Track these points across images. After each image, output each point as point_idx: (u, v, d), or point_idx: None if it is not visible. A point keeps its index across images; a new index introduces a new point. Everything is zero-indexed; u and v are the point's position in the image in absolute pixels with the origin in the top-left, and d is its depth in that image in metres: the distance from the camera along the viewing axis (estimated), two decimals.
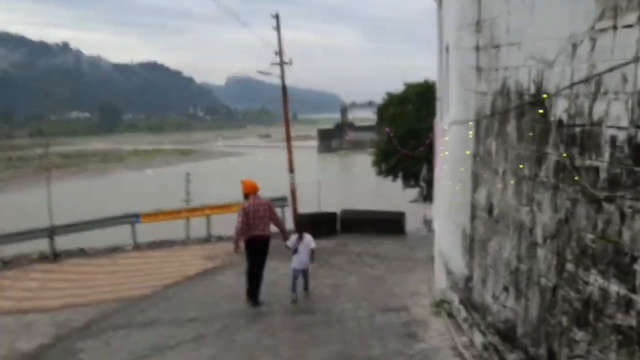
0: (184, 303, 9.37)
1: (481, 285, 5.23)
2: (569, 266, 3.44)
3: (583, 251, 3.25)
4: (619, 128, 2.86)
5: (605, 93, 2.99)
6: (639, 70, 2.69)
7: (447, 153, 8.26)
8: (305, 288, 9.26)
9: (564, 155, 3.47)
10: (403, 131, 31.31)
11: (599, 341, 3.04)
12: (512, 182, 4.45)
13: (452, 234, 6.87)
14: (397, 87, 38.18)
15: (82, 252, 15.89)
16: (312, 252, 9.06)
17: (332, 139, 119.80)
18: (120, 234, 17.14)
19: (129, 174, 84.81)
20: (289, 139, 18.26)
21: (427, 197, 36.06)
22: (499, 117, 4.79)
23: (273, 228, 8.97)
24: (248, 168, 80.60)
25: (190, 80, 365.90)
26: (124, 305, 9.94)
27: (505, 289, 4.58)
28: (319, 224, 15.80)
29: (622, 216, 2.84)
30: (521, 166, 4.24)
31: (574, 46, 3.34)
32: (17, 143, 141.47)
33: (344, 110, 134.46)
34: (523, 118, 4.23)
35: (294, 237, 8.97)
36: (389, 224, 16.57)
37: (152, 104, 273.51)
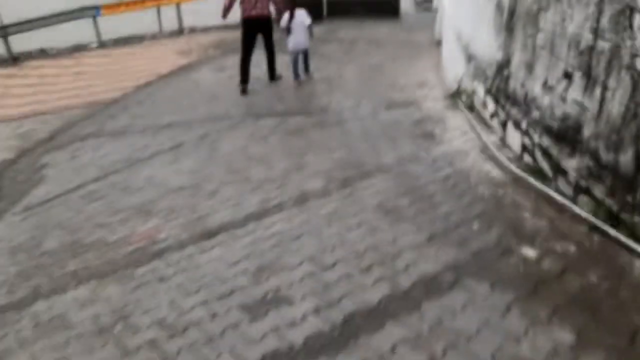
0: (158, 107, 8.23)
1: (524, 72, 4.06)
2: None
3: None
4: None
5: None
6: None
7: None
8: (307, 70, 8.60)
9: None
10: None
11: None
12: None
13: (476, 9, 5.49)
14: None
15: (43, 53, 14.31)
16: (310, 29, 8.29)
17: None
18: (83, 31, 15.32)
19: None
20: None
21: None
22: None
23: None
24: None
25: None
26: (91, 111, 8.82)
27: (567, 75, 3.41)
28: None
29: None
30: None
31: None
32: None
33: None
34: None
35: (286, 16, 8.04)
36: (381, 5, 14.80)
37: None
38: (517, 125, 4.23)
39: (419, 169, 4.36)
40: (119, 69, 11.67)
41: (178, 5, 14.86)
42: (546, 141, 3.71)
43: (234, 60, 10.48)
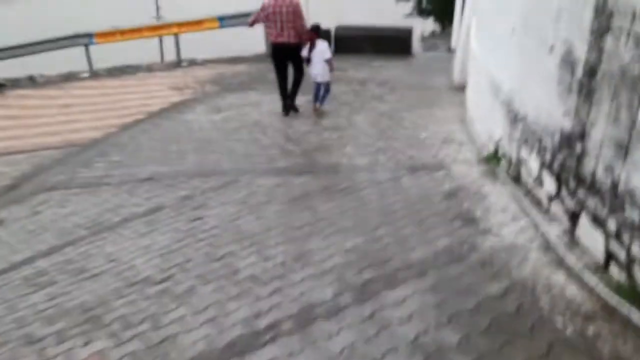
0: (141, 153, 7.16)
1: (614, 153, 2.98)
2: None
3: None
4: None
5: None
6: None
7: None
8: (316, 99, 8.05)
9: None
10: None
11: None
12: None
13: (525, 58, 4.46)
14: None
15: (31, 81, 13.36)
16: (330, 63, 7.85)
17: None
18: (76, 59, 14.44)
19: None
20: None
21: (423, 11, 33.25)
22: None
23: None
24: None
25: None
26: (67, 153, 7.74)
27: None
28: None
29: None
30: None
31: None
32: None
33: None
34: None
35: (306, 46, 7.80)
36: (393, 43, 13.86)
37: None
38: (598, 221, 3.14)
39: (464, 277, 3.24)
40: (107, 103, 10.66)
41: (177, 36, 13.95)
42: None
43: (231, 101, 9.51)
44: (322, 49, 7.78)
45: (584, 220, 3.30)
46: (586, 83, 3.30)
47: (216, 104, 9.33)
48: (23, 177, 7.09)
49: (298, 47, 7.77)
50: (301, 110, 8.26)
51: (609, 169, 3.03)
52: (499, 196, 4.40)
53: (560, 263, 3.23)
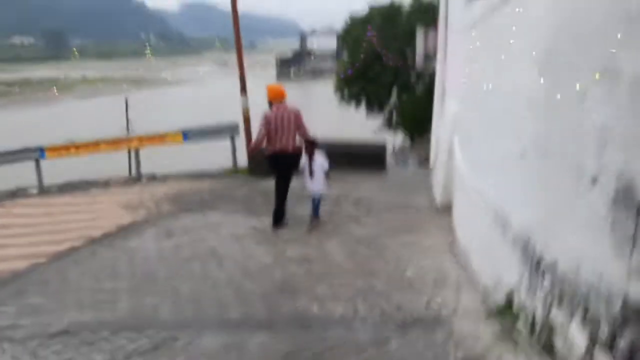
0: (66, 293, 5.80)
1: None
2: None
3: None
4: None
5: None
6: None
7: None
8: (316, 214, 7.74)
9: None
10: (367, 54, 28.47)
11: None
12: None
13: (548, 188, 3.46)
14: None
15: None
16: (327, 175, 7.72)
17: (291, 67, 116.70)
18: (27, 174, 13.34)
19: (77, 103, 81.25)
20: (239, 50, 14.16)
21: (391, 125, 33.72)
22: None
23: None
24: (203, 96, 76.39)
25: (141, 4, 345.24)
26: None
27: None
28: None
29: None
30: None
31: None
32: None
33: (303, 37, 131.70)
34: None
35: (304, 158, 7.62)
36: (367, 158, 13.14)
37: (101, 30, 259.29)
38: None
39: None
40: (48, 224, 9.39)
41: (137, 151, 13.01)
42: None
43: (187, 223, 8.34)
44: (321, 162, 7.59)
45: None
46: None
47: (169, 226, 8.14)
48: None
49: (298, 155, 7.62)
50: (264, 234, 7.16)
51: None
52: None
53: None
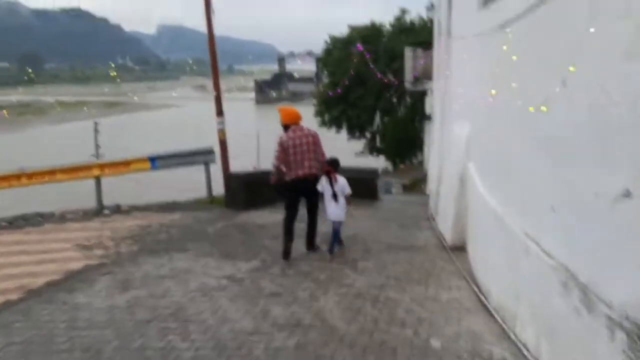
0: None
1: None
2: None
3: None
4: None
5: None
6: None
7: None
8: (331, 251, 7.11)
9: None
10: (349, 77, 27.69)
11: None
12: None
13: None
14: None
15: None
16: (348, 200, 7.21)
17: (270, 90, 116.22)
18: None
19: (50, 128, 79.50)
20: (215, 71, 12.89)
21: (373, 149, 32.78)
22: None
23: None
24: (180, 120, 75.03)
25: (118, 28, 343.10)
26: None
27: None
28: (261, 187, 11.13)
29: None
30: None
31: None
32: None
33: (281, 60, 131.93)
34: None
35: (323, 180, 7.08)
36: (357, 186, 11.81)
37: (77, 53, 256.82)
38: None
39: None
40: None
41: (98, 179, 11.55)
42: None
43: (149, 269, 6.89)
44: (343, 184, 7.07)
45: None
46: None
47: (127, 274, 6.71)
48: None
49: (317, 180, 7.11)
50: (242, 286, 5.77)
51: None
52: None
53: None
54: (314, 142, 7.06)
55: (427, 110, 24.83)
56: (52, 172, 11.32)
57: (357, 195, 11.12)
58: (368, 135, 34.95)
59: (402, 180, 24.06)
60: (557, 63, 3.45)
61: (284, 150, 6.96)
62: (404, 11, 34.67)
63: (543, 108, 3.62)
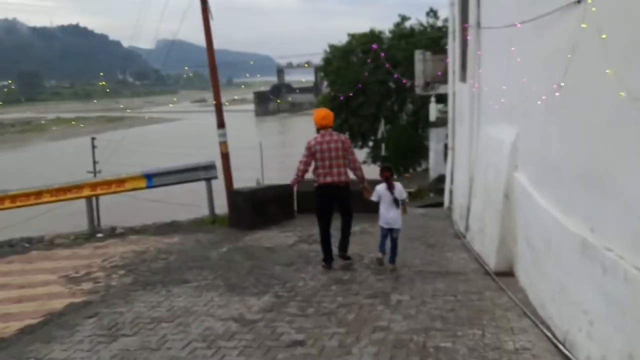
0: None
1: None
2: None
3: None
4: None
5: None
6: None
7: None
8: (392, 260, 6.76)
9: None
10: (350, 85, 27.12)
11: None
12: None
13: None
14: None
15: None
16: (404, 206, 6.85)
17: (269, 102, 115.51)
18: None
19: (52, 144, 79.19)
20: (215, 83, 11.95)
21: (377, 158, 31.86)
22: None
23: None
24: (180, 134, 74.26)
25: (117, 44, 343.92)
26: None
27: None
28: (267, 204, 10.14)
29: None
30: None
31: None
32: None
33: (280, 71, 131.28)
34: None
35: (380, 186, 6.77)
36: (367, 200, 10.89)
37: (77, 70, 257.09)
38: None
39: None
40: None
41: (90, 200, 10.52)
42: None
43: (142, 310, 5.80)
44: (400, 189, 6.79)
45: None
46: None
47: (116, 317, 5.64)
48: None
49: (348, 186, 6.89)
50: (254, 331, 4.70)
51: None
52: None
53: None
54: (344, 149, 6.81)
55: (431, 117, 23.88)
56: (38, 194, 10.29)
57: (373, 209, 10.09)
58: (370, 144, 34.19)
59: (408, 188, 23.12)
60: None
61: (311, 154, 6.77)
62: (404, 18, 34.03)
63: None
